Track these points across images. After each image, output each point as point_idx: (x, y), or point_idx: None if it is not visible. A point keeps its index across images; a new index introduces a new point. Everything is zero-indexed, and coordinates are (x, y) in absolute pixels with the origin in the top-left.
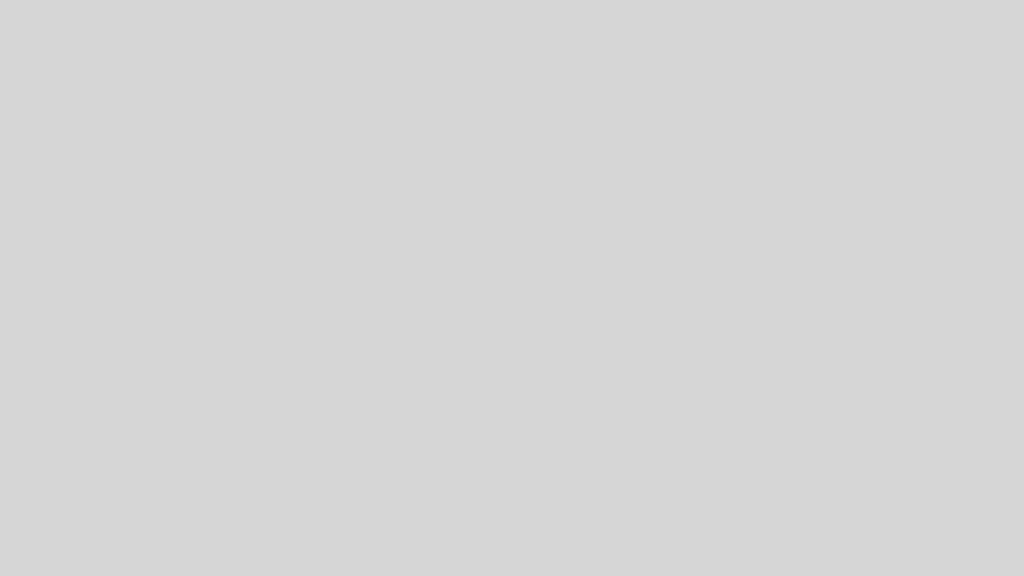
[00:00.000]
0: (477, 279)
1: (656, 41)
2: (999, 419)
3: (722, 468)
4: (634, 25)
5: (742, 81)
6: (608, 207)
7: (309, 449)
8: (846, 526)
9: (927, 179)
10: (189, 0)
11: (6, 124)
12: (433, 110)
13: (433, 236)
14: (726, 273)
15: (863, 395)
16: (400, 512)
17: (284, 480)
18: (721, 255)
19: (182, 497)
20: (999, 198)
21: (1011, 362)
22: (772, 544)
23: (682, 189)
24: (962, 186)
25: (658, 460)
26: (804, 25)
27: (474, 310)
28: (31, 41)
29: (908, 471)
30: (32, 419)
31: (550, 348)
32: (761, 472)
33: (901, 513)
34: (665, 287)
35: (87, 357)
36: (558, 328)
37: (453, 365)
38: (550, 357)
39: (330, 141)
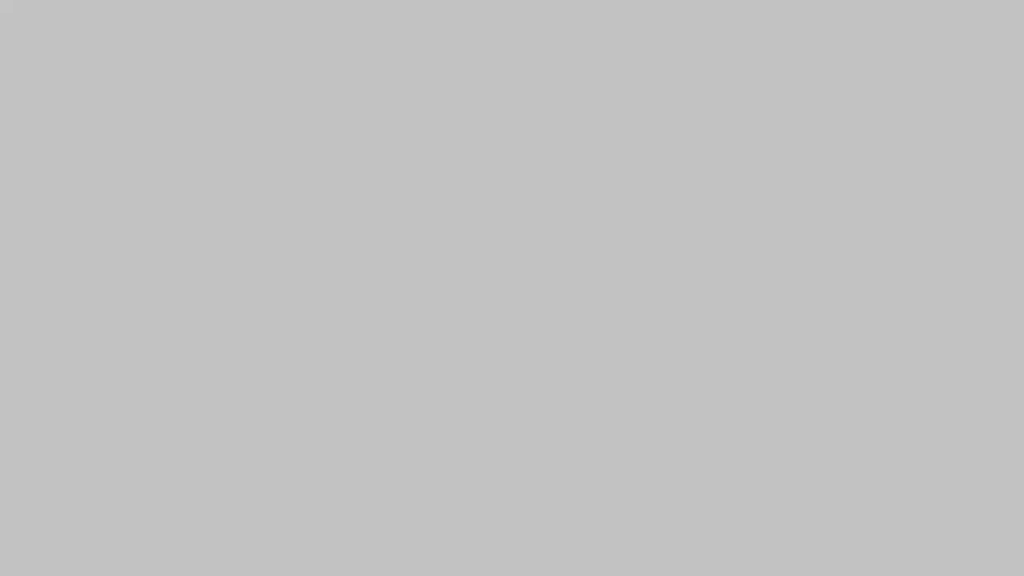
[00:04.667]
0: (477, 279)
1: (656, 41)
2: (998, 419)
3: (722, 469)
4: (634, 25)
5: (742, 81)
6: (608, 207)
7: (309, 449)
8: (845, 526)
9: (927, 179)
10: (190, 0)
11: (6, 124)
12: (433, 110)
13: (433, 236)
14: (727, 273)
15: (863, 395)
16: (399, 512)
17: (284, 479)
18: (722, 255)
19: (182, 497)
20: (999, 198)
21: (1011, 362)
22: (771, 544)
23: (682, 189)
24: (962, 186)
25: (658, 459)
26: (804, 25)
27: (474, 310)
28: (31, 41)
29: (908, 471)
30: (33, 419)
31: (549, 348)
32: (760, 473)
33: (901, 514)
34: (665, 287)
35: (88, 358)
36: (557, 328)
37: (452, 365)
38: (549, 357)
39: (330, 141)
